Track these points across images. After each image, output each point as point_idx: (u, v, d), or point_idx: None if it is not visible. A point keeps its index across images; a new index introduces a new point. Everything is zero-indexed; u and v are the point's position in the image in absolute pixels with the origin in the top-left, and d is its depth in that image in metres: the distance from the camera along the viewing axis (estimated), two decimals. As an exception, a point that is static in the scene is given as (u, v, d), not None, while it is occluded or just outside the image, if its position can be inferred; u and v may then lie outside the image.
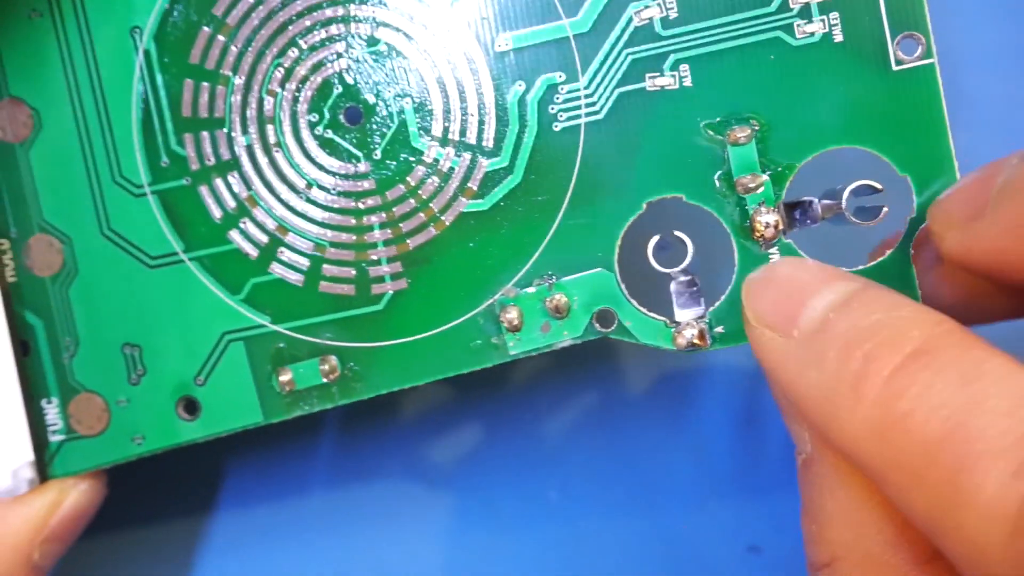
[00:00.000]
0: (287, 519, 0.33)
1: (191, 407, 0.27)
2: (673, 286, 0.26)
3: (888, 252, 0.25)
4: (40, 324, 0.28)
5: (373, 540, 0.32)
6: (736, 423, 0.32)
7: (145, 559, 0.33)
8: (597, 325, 0.26)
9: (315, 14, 0.26)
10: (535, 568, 0.32)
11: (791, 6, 0.25)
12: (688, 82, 0.25)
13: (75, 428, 0.28)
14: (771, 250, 0.25)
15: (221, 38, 0.26)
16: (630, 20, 0.25)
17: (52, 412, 0.28)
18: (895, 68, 0.24)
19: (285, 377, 0.27)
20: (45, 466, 0.28)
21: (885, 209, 0.24)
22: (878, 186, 0.24)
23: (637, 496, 0.32)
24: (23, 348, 0.28)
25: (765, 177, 0.25)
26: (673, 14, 0.25)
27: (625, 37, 0.25)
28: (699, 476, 0.32)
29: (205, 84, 0.26)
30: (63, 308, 0.27)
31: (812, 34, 0.25)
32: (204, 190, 0.27)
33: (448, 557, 0.32)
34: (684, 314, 0.26)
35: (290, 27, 0.26)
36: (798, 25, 0.25)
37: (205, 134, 0.26)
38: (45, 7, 0.27)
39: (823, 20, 0.24)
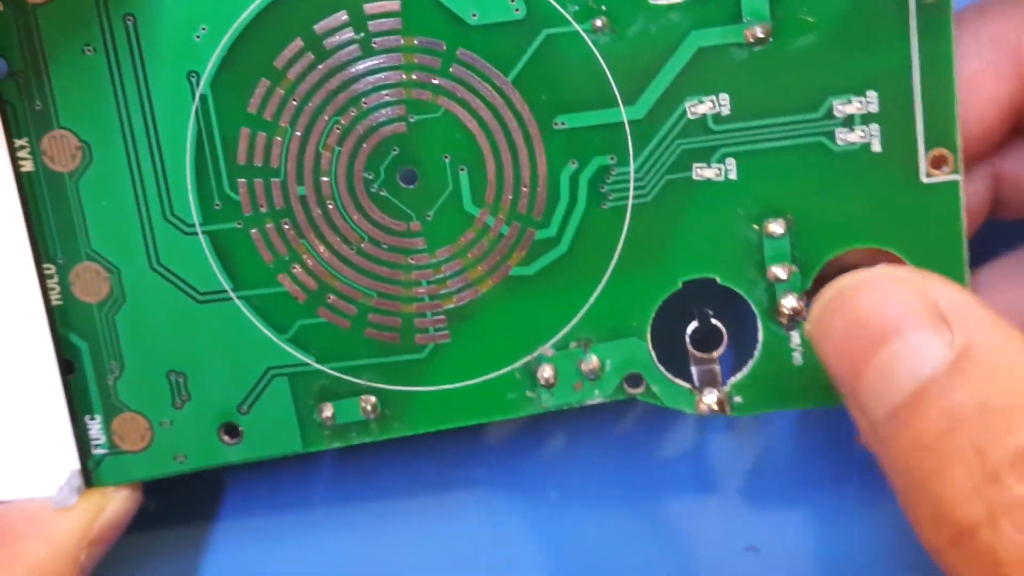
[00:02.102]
0: (285, 519, 0.34)
1: (232, 431, 0.29)
2: (694, 361, 0.28)
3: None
4: (85, 346, 0.28)
5: (372, 539, 0.33)
6: (736, 423, 0.33)
7: (145, 561, 0.34)
8: (626, 386, 0.28)
9: (377, 76, 0.26)
10: (535, 568, 0.33)
11: (835, 114, 0.26)
12: (733, 175, 0.27)
13: (118, 444, 0.29)
14: (792, 331, 0.27)
15: (280, 91, 0.27)
16: (684, 113, 0.26)
17: (95, 428, 0.29)
18: (924, 180, 0.26)
19: (327, 412, 0.28)
20: (89, 475, 0.29)
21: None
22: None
23: (637, 496, 0.33)
24: (67, 367, 0.29)
25: (795, 269, 0.27)
26: (725, 111, 0.26)
27: (678, 128, 0.26)
28: (699, 476, 0.33)
29: (262, 134, 0.27)
30: (109, 333, 0.28)
31: (852, 143, 0.26)
32: (256, 234, 0.28)
33: (448, 557, 0.33)
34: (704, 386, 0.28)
35: (351, 86, 0.27)
36: (840, 133, 0.26)
37: (259, 181, 0.27)
38: (100, 44, 0.27)
39: (864, 130, 0.26)
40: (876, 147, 0.26)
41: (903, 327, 0.20)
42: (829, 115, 0.26)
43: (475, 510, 0.34)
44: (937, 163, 0.26)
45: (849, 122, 0.26)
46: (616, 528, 0.33)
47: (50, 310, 0.28)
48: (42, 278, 0.28)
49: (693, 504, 0.33)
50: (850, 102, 0.26)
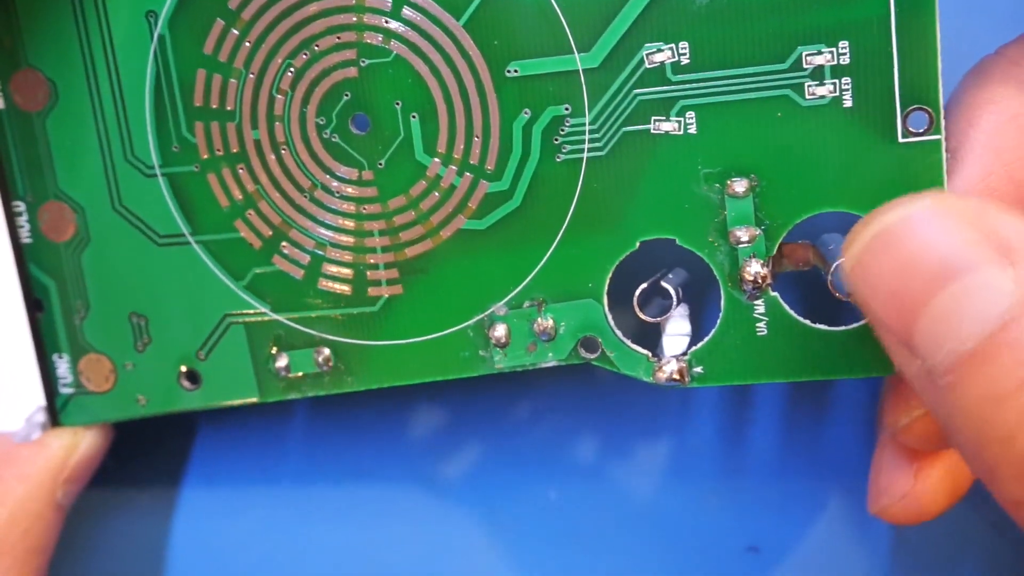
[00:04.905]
0: (277, 507, 0.34)
1: (193, 377, 0.29)
2: (669, 319, 0.26)
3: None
4: (53, 285, 0.29)
5: (371, 540, 0.33)
6: (736, 422, 0.32)
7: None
8: (582, 351, 0.27)
9: (329, 18, 0.26)
10: (535, 568, 0.32)
11: (804, 66, 0.24)
12: (693, 129, 0.25)
13: (84, 384, 0.29)
14: (756, 301, 0.26)
15: (235, 32, 0.26)
16: (641, 61, 0.25)
17: (63, 366, 0.29)
18: (901, 140, 0.24)
19: (282, 363, 0.28)
20: (57, 414, 0.30)
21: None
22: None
23: (637, 496, 0.32)
24: (37, 305, 0.29)
25: (758, 232, 0.25)
26: (685, 60, 0.25)
27: (635, 77, 0.25)
28: (699, 476, 0.32)
29: (217, 76, 0.27)
30: (75, 273, 0.29)
31: (822, 97, 0.24)
32: (212, 178, 0.27)
33: (447, 557, 0.33)
34: (671, 347, 0.26)
35: (303, 28, 0.26)
36: (809, 86, 0.24)
37: (215, 124, 0.27)
38: (63, -20, 0.27)
39: (834, 84, 0.24)
40: (848, 102, 0.24)
41: (963, 265, 0.18)
42: (797, 66, 0.24)
43: (474, 510, 0.33)
44: (916, 121, 0.24)
45: (819, 74, 0.24)
46: (616, 528, 0.32)
47: (20, 248, 0.29)
48: (11, 216, 0.28)
49: (693, 504, 0.32)
50: (820, 53, 0.24)
